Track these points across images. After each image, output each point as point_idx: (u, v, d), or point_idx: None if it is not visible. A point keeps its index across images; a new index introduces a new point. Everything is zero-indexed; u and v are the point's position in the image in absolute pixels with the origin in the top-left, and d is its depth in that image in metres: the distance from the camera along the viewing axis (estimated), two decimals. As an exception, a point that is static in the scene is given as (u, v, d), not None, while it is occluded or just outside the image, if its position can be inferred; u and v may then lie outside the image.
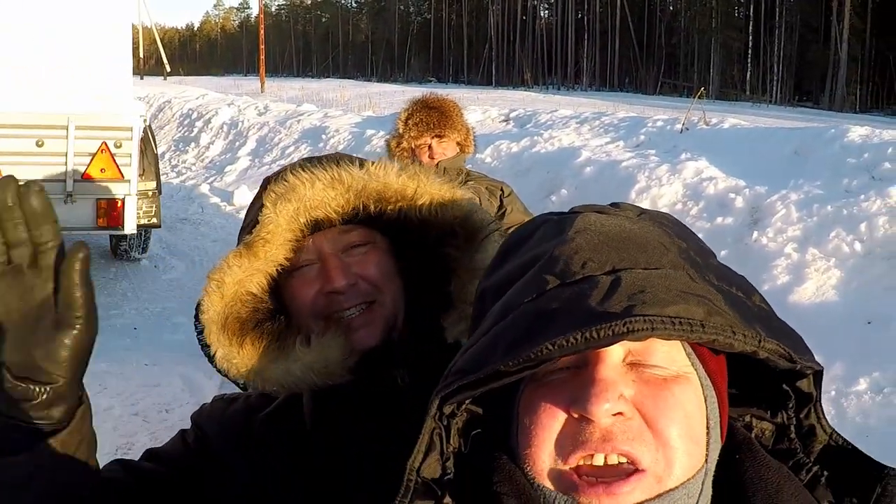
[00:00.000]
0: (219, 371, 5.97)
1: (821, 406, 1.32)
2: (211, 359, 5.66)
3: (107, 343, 8.10)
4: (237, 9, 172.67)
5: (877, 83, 63.80)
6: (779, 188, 9.80)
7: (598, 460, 1.19)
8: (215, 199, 15.50)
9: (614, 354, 1.21)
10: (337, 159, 1.95)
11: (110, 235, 11.02)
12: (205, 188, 16.55)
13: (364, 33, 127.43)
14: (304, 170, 1.89)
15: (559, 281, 1.24)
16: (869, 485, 1.28)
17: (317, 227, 1.91)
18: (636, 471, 1.18)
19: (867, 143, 10.47)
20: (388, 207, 1.92)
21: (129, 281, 10.43)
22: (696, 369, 1.26)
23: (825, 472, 1.30)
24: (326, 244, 1.92)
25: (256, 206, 1.96)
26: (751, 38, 72.91)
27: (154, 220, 9.60)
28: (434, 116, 5.82)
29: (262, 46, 55.92)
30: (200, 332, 6.00)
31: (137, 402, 7.03)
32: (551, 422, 1.22)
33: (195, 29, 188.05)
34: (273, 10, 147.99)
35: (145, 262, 11.17)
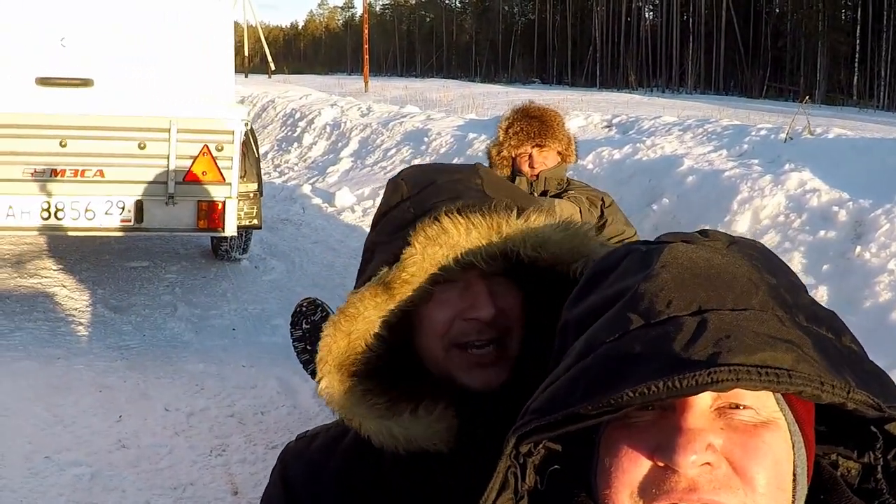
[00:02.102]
0: (315, 379, 6.00)
1: None
2: (305, 366, 5.69)
3: (205, 343, 8.29)
4: (341, 8, 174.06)
5: None
6: (883, 202, 9.59)
7: None
8: (317, 200, 15.55)
9: (703, 400, 1.18)
10: (494, 202, 1.82)
11: (211, 236, 11.15)
12: (306, 189, 16.62)
13: (468, 33, 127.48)
14: (460, 213, 1.77)
15: (643, 321, 1.21)
16: None
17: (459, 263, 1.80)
18: None
19: None
20: (541, 263, 1.80)
21: (229, 281, 10.53)
22: (784, 415, 1.23)
23: None
24: (471, 269, 1.80)
25: (393, 220, 1.88)
26: (858, 41, 71.58)
27: (255, 222, 9.67)
28: (535, 126, 5.81)
29: (366, 46, 56.21)
30: (296, 340, 6.04)
31: (234, 404, 7.08)
32: (633, 467, 1.19)
33: (299, 28, 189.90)
34: (377, 9, 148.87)
35: (246, 262, 11.26)
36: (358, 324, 1.79)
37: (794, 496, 1.22)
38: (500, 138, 5.92)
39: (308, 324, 6.01)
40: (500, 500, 1.25)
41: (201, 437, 6.51)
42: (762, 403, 1.20)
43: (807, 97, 17.78)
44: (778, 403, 1.22)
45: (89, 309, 9.29)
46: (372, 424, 1.81)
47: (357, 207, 14.77)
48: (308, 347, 5.94)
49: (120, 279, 10.36)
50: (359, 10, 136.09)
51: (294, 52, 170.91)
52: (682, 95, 65.32)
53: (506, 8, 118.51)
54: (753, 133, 13.57)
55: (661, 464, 1.17)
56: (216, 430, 6.64)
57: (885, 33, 69.86)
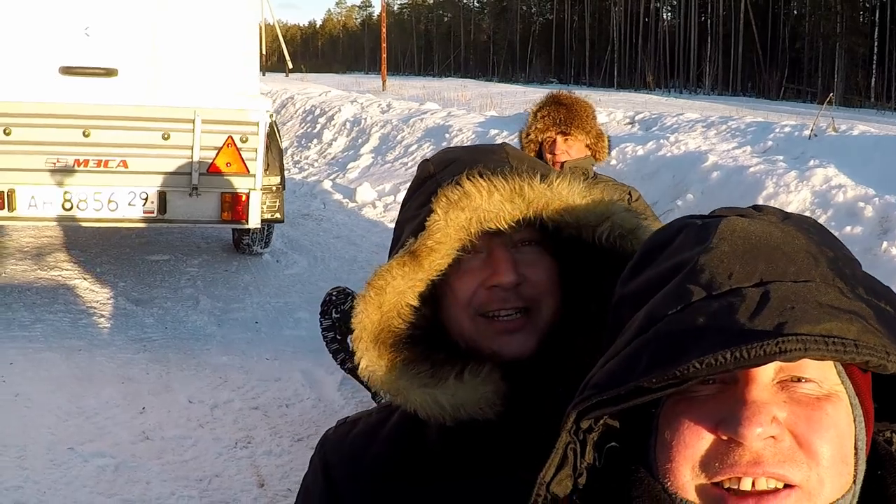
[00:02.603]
0: (348, 372, 5.92)
1: None
2: (335, 355, 5.65)
3: (228, 336, 8.26)
4: (359, 7, 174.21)
5: None
6: None
7: (746, 484, 1.15)
8: (338, 196, 15.54)
9: (766, 373, 1.17)
10: (516, 167, 1.81)
11: (233, 229, 11.12)
12: (327, 184, 16.59)
13: (486, 33, 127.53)
14: (482, 177, 1.76)
15: (705, 293, 1.19)
16: None
17: (485, 232, 1.79)
18: (787, 486, 1.15)
19: None
20: (566, 229, 1.80)
21: (252, 275, 10.50)
22: (846, 387, 1.22)
23: None
24: (495, 237, 1.79)
25: (418, 197, 1.87)
26: (876, 43, 71.52)
27: (277, 215, 9.62)
28: (562, 112, 5.78)
29: (384, 45, 56.21)
30: (326, 329, 5.99)
31: (258, 396, 7.06)
32: (695, 440, 1.18)
33: (317, 27, 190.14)
34: (395, 8, 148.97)
35: (267, 256, 11.22)
36: (388, 296, 1.78)
37: (855, 469, 1.21)
38: (529, 121, 5.90)
39: (338, 313, 5.96)
40: (558, 477, 1.24)
41: (226, 430, 6.48)
42: (824, 376, 1.19)
43: (830, 95, 17.72)
44: (839, 376, 1.21)
45: (110, 301, 9.27)
46: (417, 395, 1.78)
47: (378, 203, 14.76)
48: (338, 337, 5.91)
49: (141, 272, 10.33)
50: (377, 9, 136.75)
51: (312, 50, 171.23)
52: (700, 96, 65.38)
53: (524, 8, 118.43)
54: (777, 130, 13.58)
55: (724, 437, 1.16)
56: (241, 423, 6.61)
57: None
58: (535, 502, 1.23)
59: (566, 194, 1.78)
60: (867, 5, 77.47)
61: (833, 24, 76.75)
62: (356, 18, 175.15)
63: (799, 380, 1.18)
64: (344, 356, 5.94)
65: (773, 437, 1.14)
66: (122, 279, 9.98)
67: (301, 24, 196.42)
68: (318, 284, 9.56)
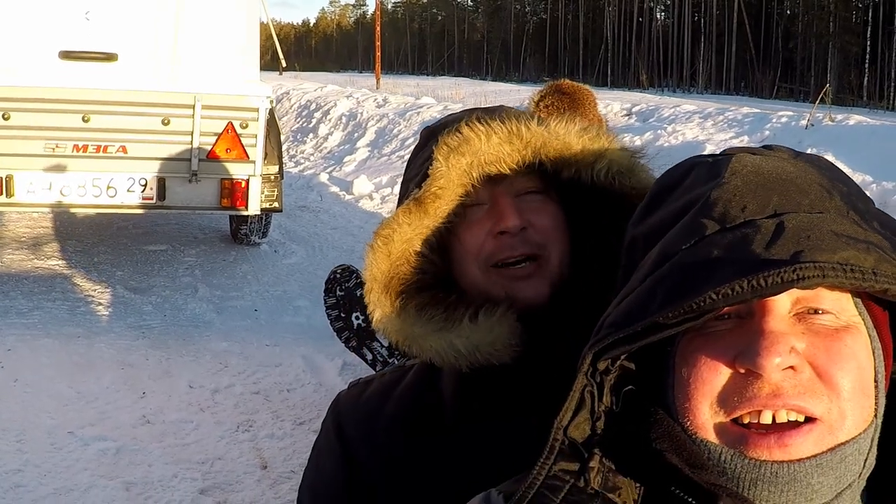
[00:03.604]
0: (352, 350, 5.90)
1: None
2: (339, 333, 5.64)
3: (227, 323, 8.22)
4: (353, 5, 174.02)
5: None
6: None
7: (766, 418, 1.15)
8: (334, 189, 15.50)
9: (782, 304, 1.17)
10: (514, 112, 1.86)
11: (230, 218, 11.11)
12: (324, 177, 16.58)
13: (480, 32, 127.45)
14: (480, 122, 1.79)
15: (719, 226, 1.20)
16: None
17: (489, 179, 1.83)
18: (808, 420, 1.14)
19: None
20: (565, 170, 1.84)
21: (250, 264, 10.46)
22: (864, 319, 1.21)
23: None
24: (499, 186, 1.83)
25: (422, 156, 1.90)
26: (869, 42, 71.98)
27: (276, 205, 9.55)
28: (565, 101, 5.75)
29: (378, 43, 56.12)
30: (330, 307, 5.97)
31: (259, 381, 7.02)
32: (713, 376, 1.17)
33: (311, 25, 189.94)
34: (389, 7, 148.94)
35: (265, 246, 11.18)
36: (395, 244, 1.81)
37: (876, 403, 1.20)
38: (531, 110, 5.83)
39: (342, 290, 5.97)
40: (576, 421, 1.23)
41: (227, 414, 6.44)
42: (841, 307, 1.19)
43: (826, 86, 17.81)
44: (857, 307, 1.21)
45: (108, 290, 9.21)
46: (432, 341, 1.79)
47: (375, 195, 14.75)
48: (342, 315, 5.91)
49: (138, 261, 10.28)
50: (370, 7, 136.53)
51: (305, 49, 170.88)
52: (693, 95, 65.22)
53: (517, 7, 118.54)
54: (774, 120, 13.72)
55: (742, 370, 1.15)
56: (242, 407, 6.57)
57: None
58: (553, 447, 1.21)
59: (563, 134, 1.81)
60: (860, 5, 77.80)
61: (826, 23, 76.98)
62: (350, 17, 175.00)
63: (816, 311, 1.17)
64: (348, 334, 5.93)
65: (792, 367, 1.13)
66: (120, 268, 9.91)
67: (295, 23, 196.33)
68: (317, 273, 9.51)
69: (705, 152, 9.96)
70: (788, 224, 1.15)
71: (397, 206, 1.91)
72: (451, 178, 1.77)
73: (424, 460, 1.81)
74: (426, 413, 1.87)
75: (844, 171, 1.37)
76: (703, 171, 1.32)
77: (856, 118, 13.34)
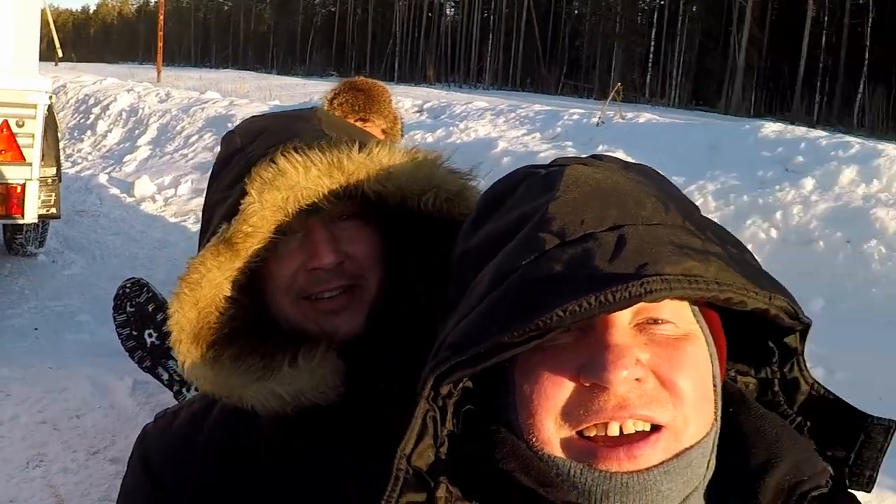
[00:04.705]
0: (146, 370, 5.59)
1: (804, 359, 1.31)
2: (132, 353, 5.35)
3: (6, 346, 7.74)
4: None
5: (771, 90, 67.24)
6: (696, 179, 10.38)
7: (614, 430, 1.14)
8: (114, 191, 15.14)
9: (623, 316, 1.16)
10: (334, 138, 1.71)
11: (3, 228, 10.49)
12: (103, 178, 16.20)
13: (267, 24, 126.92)
14: (297, 152, 1.65)
15: (559, 240, 1.18)
16: (853, 433, 1.28)
17: (303, 208, 1.68)
18: (654, 428, 1.14)
19: (781, 138, 11.49)
20: (390, 199, 1.71)
21: (27, 278, 9.95)
22: (701, 327, 1.23)
23: (808, 423, 1.31)
24: (314, 216, 1.70)
25: (227, 176, 1.76)
26: (653, 43, 75.88)
27: (53, 211, 8.99)
28: (360, 99, 5.58)
29: (161, 33, 55.09)
30: (120, 325, 5.67)
31: (45, 409, 6.58)
32: (556, 390, 1.16)
33: (91, 12, 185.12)
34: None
35: (42, 257, 10.70)
36: (204, 290, 1.67)
37: (715, 406, 1.22)
38: (325, 109, 5.61)
39: (133, 306, 5.72)
40: (419, 449, 1.19)
41: (15, 449, 6.00)
42: (680, 316, 1.20)
43: (618, 84, 18.42)
44: (694, 316, 1.23)
45: None
46: (252, 391, 1.68)
47: (158, 196, 14.61)
48: (134, 333, 5.68)
49: None
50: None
51: (84, 38, 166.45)
52: (480, 91, 66.93)
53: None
54: (566, 118, 14.33)
55: (587, 384, 1.14)
56: (30, 440, 6.15)
57: (679, 37, 74.54)
58: (398, 478, 1.17)
59: (387, 163, 1.70)
60: (645, 7, 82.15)
61: (613, 23, 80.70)
62: (132, 4, 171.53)
63: (656, 321, 1.18)
64: (141, 354, 5.69)
65: (637, 379, 1.13)
66: None
67: (73, 9, 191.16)
68: (99, 285, 9.16)
69: (497, 149, 10.15)
70: (629, 237, 1.15)
71: (200, 236, 1.80)
72: (265, 215, 1.63)
73: (243, 492, 1.72)
74: (243, 445, 1.75)
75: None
76: (536, 182, 1.30)
77: (646, 116, 14.03)
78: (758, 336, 1.30)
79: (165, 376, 5.73)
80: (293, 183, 1.64)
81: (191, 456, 1.79)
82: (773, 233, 9.28)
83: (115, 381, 6.88)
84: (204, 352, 1.70)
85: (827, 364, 6.89)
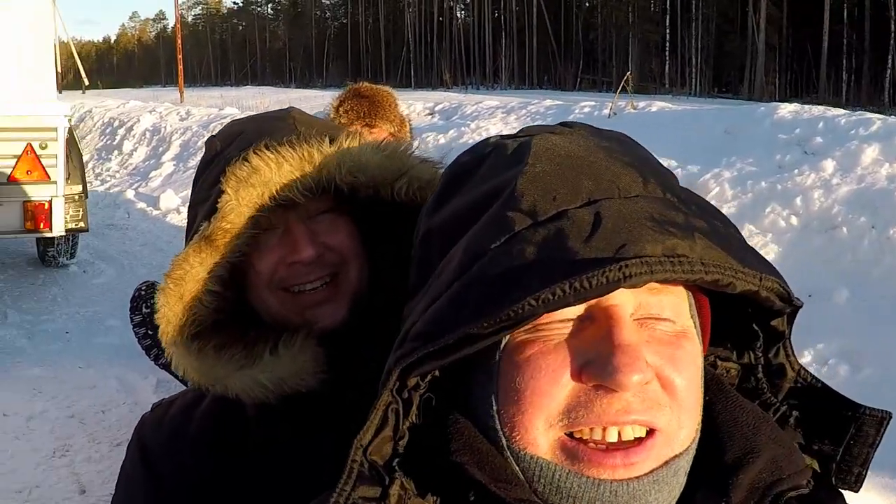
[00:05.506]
0: (162, 367, 5.83)
1: (790, 343, 1.21)
2: (148, 351, 5.56)
3: (39, 347, 8.02)
4: (153, 20, 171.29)
5: (795, 72, 64.64)
6: (711, 167, 9.88)
7: (613, 435, 1.06)
8: (141, 205, 15.35)
9: (626, 308, 1.06)
10: (304, 133, 1.78)
11: (37, 241, 10.85)
12: (130, 194, 16.39)
13: (281, 40, 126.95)
14: (269, 149, 1.71)
15: (530, 220, 1.07)
16: (842, 425, 1.19)
17: (280, 203, 1.75)
18: (649, 433, 1.06)
19: (798, 119, 10.63)
20: (362, 189, 1.77)
21: (59, 286, 10.25)
22: (695, 321, 1.15)
23: (794, 413, 1.22)
24: (291, 211, 1.77)
25: (208, 177, 1.82)
26: (668, 31, 73.40)
27: (81, 224, 9.41)
28: (365, 105, 5.67)
29: (180, 56, 55.34)
30: (137, 325, 5.87)
31: (73, 405, 6.85)
32: (554, 388, 1.05)
33: (112, 42, 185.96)
34: (189, 19, 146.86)
35: (74, 267, 11.00)
36: (188, 285, 1.73)
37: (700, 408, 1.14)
38: (331, 116, 5.81)
39: (148, 307, 5.85)
40: (376, 442, 1.10)
41: (43, 440, 6.27)
42: (678, 311, 1.11)
43: (628, 74, 18.15)
44: (690, 309, 1.14)
45: None
46: (236, 380, 1.75)
47: (183, 209, 14.47)
48: (149, 332, 5.82)
49: (-59, 291, 9.94)
50: (171, 21, 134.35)
51: (107, 66, 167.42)
52: (497, 91, 65.90)
53: (318, 12, 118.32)
54: (577, 111, 13.88)
55: (590, 384, 1.05)
56: (57, 432, 6.41)
57: (694, 22, 71.96)
58: (352, 470, 1.08)
59: (357, 154, 1.75)
60: None
61: (625, 13, 78.28)
62: (151, 31, 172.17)
63: (657, 318, 1.09)
64: (157, 351, 5.84)
65: (648, 381, 1.05)
66: (-81, 298, 9.59)
67: (96, 40, 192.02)
68: (127, 292, 9.22)
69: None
70: (605, 213, 1.05)
71: (186, 233, 1.87)
72: (242, 211, 1.69)
73: (232, 480, 1.79)
74: (230, 434, 1.83)
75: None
76: (502, 154, 1.20)
77: (658, 104, 13.49)
78: (741, 318, 1.21)
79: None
80: (267, 179, 1.69)
81: (183, 445, 1.86)
82: (794, 220, 8.69)
83: (140, 380, 7.11)
84: (190, 343, 1.76)
85: (852, 360, 6.75)
